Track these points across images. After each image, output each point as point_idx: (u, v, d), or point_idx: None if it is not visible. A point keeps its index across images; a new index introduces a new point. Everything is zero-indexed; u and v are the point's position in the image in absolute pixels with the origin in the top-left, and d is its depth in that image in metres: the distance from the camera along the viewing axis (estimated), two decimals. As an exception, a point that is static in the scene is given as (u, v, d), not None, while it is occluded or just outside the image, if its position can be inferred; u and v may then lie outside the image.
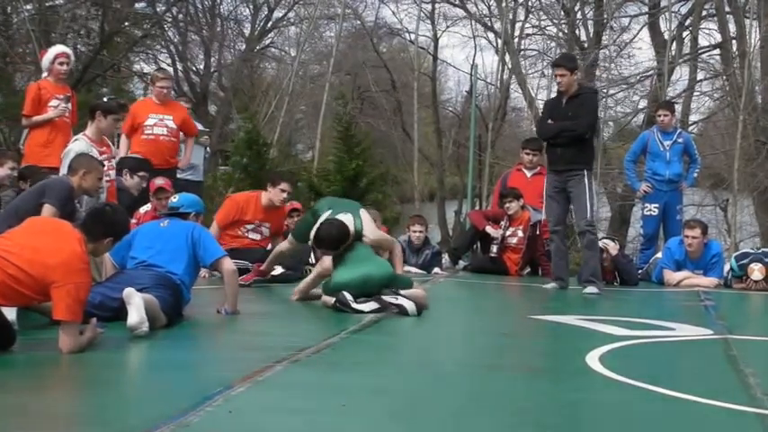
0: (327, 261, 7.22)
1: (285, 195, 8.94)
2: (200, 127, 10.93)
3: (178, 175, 10.25)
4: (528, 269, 10.48)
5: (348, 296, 6.73)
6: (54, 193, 6.52)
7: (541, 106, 21.94)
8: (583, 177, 8.46)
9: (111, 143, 7.95)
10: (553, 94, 22.42)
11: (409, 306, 6.63)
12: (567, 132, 8.48)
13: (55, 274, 4.84)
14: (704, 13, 21.98)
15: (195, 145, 10.46)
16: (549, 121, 8.68)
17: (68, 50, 9.48)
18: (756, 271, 9.30)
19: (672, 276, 9.65)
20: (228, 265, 6.39)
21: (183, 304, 6.21)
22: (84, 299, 4.99)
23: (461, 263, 10.78)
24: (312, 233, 7.26)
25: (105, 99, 8.53)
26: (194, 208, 6.98)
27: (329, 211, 7.40)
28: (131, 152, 9.53)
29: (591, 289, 8.45)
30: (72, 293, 4.87)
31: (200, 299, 6.68)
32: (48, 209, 6.41)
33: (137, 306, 5.44)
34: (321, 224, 7.19)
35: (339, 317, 6.63)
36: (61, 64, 9.02)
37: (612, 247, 9.72)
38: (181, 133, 9.96)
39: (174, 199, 6.96)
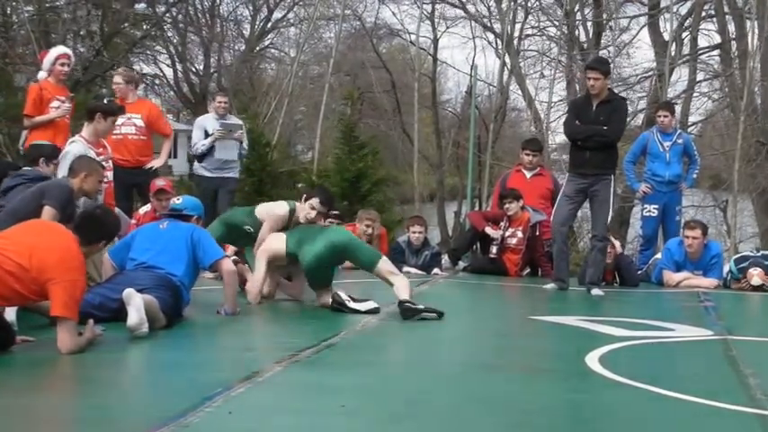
0: (268, 243, 7.18)
1: (315, 213, 8.78)
2: (234, 120, 10.88)
3: (213, 176, 10.30)
4: (527, 270, 10.47)
5: (344, 295, 6.77)
6: (54, 195, 6.50)
7: (540, 107, 22.11)
8: (610, 182, 8.46)
9: (106, 144, 7.89)
10: (555, 96, 22.04)
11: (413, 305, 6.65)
12: (599, 137, 8.44)
13: (52, 270, 4.86)
14: (704, 14, 21.99)
15: (229, 141, 10.45)
16: (577, 122, 8.62)
17: (69, 52, 9.45)
18: (756, 276, 9.29)
19: (671, 277, 9.65)
20: (228, 266, 6.39)
21: (183, 305, 6.21)
22: (80, 297, 5.00)
23: (461, 264, 10.77)
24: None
25: (106, 100, 8.45)
26: (197, 211, 6.96)
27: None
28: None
29: (597, 291, 8.48)
30: (68, 290, 4.88)
31: (200, 299, 6.68)
32: (48, 211, 6.38)
33: (136, 307, 5.44)
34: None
35: (338, 318, 6.63)
36: (62, 65, 9.01)
37: (618, 245, 9.73)
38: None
39: (178, 201, 6.91)
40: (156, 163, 9.71)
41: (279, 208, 7.56)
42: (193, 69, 29.92)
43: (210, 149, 10.37)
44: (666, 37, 21.09)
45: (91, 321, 5.16)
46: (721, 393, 4.36)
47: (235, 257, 7.78)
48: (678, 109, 18.87)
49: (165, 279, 6.03)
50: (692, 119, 22.52)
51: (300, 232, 7.20)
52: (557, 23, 23.42)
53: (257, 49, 29.57)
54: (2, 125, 18.68)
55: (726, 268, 9.91)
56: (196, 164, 10.51)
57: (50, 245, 4.99)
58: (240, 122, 10.98)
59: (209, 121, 10.59)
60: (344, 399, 4.09)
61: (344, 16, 24.21)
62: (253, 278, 7.25)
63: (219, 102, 10.73)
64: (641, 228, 11.29)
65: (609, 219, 8.59)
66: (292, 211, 7.49)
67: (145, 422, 3.56)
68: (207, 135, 10.40)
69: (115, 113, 7.72)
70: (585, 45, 23.22)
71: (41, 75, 9.17)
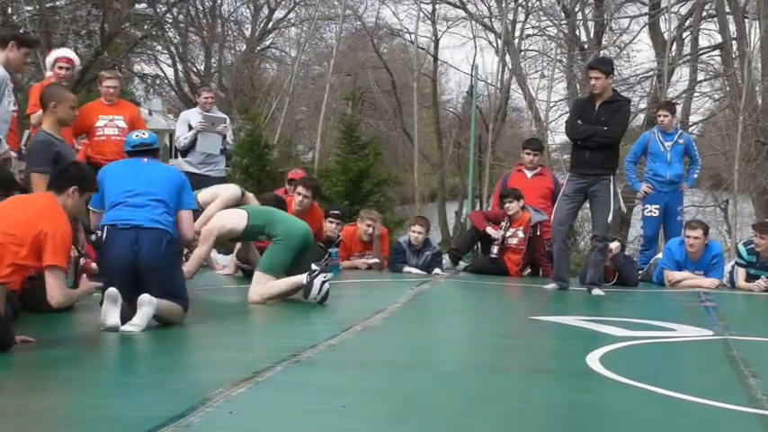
0: (224, 219, 7.30)
1: (300, 198, 8.89)
2: (218, 114, 10.85)
3: (196, 171, 10.23)
4: (528, 270, 10.46)
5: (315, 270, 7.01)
6: (32, 159, 6.56)
7: (541, 107, 22.10)
8: (609, 182, 8.45)
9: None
10: (555, 96, 22.02)
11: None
12: (600, 138, 8.43)
13: (36, 224, 4.94)
14: (704, 14, 22.00)
15: (212, 134, 10.42)
16: (579, 122, 8.61)
17: (71, 56, 9.21)
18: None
19: (672, 275, 9.63)
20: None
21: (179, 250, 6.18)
22: (68, 247, 5.07)
23: (462, 264, 10.76)
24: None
25: (22, 30, 8.21)
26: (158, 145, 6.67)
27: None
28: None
29: (597, 291, 8.47)
30: (56, 239, 4.94)
31: (200, 300, 6.68)
32: (33, 178, 6.45)
33: (145, 315, 5.58)
34: None
35: (338, 318, 6.64)
36: (61, 68, 8.87)
37: (615, 247, 9.70)
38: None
39: (144, 135, 6.46)
40: None
41: (230, 188, 7.87)
42: (194, 69, 29.92)
43: (193, 143, 10.32)
44: (666, 37, 21.09)
45: (84, 276, 5.29)
46: (721, 393, 4.36)
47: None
48: (679, 109, 18.87)
49: (171, 280, 5.93)
50: (693, 119, 22.55)
51: (269, 211, 7.50)
52: (557, 23, 23.42)
53: (258, 49, 29.57)
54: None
55: (727, 266, 9.92)
56: (179, 159, 10.45)
57: (31, 205, 5.13)
58: (224, 116, 10.91)
59: (192, 115, 10.53)
60: (344, 399, 4.08)
61: (345, 16, 24.20)
62: (194, 255, 7.31)
63: (206, 97, 10.70)
64: (642, 228, 11.29)
65: (609, 219, 8.57)
66: (243, 194, 7.77)
67: (145, 422, 3.55)
68: (191, 129, 10.38)
69: (29, 45, 7.32)
70: (586, 45, 23.23)
71: (47, 74, 9.14)
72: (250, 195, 8.15)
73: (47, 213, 5.04)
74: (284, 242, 7.16)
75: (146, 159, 6.24)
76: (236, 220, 7.25)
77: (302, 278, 7.04)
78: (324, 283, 6.95)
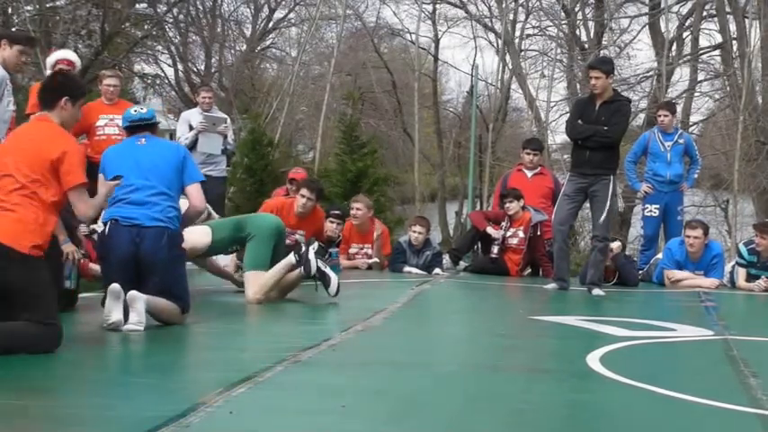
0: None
1: (303, 201, 8.89)
2: (218, 114, 10.85)
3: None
4: (529, 270, 10.47)
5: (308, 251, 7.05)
6: None
7: (541, 106, 22.09)
8: (609, 182, 8.45)
9: None
10: (555, 96, 22.07)
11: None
12: (600, 138, 8.43)
13: (45, 158, 4.96)
14: (704, 14, 22.00)
15: (213, 134, 10.43)
16: (579, 122, 8.61)
17: (72, 57, 9.15)
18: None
19: (672, 273, 9.64)
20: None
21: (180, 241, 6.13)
22: (82, 160, 5.12)
23: (462, 263, 10.77)
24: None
25: (15, 29, 8.17)
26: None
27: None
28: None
29: (598, 291, 8.47)
30: (67, 160, 4.98)
31: (199, 300, 6.68)
32: None
33: (140, 311, 5.56)
34: None
35: (338, 318, 6.64)
36: (61, 70, 8.87)
37: (616, 247, 9.70)
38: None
39: (143, 110, 6.35)
40: None
41: None
42: (195, 69, 29.91)
43: (194, 143, 10.32)
44: (666, 37, 21.08)
45: (101, 176, 5.52)
46: (721, 393, 4.36)
47: None
48: (679, 109, 18.87)
49: (172, 277, 5.92)
50: (693, 119, 22.55)
51: (232, 218, 7.73)
52: (557, 23, 23.42)
53: (258, 49, 29.56)
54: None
55: (727, 266, 9.91)
56: None
57: (32, 139, 5.09)
58: (225, 116, 10.94)
59: (193, 116, 10.56)
60: (344, 399, 4.08)
61: (345, 16, 24.18)
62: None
63: (204, 96, 10.73)
64: (642, 228, 11.29)
65: (609, 219, 8.58)
66: (210, 214, 7.72)
67: (145, 422, 3.55)
68: (191, 129, 10.38)
69: (22, 43, 7.23)
70: (586, 45, 23.23)
71: (48, 74, 9.13)
72: (216, 216, 8.21)
73: (49, 140, 5.04)
74: (259, 236, 7.18)
75: (143, 140, 6.14)
76: (199, 236, 7.16)
77: (291, 258, 7.05)
78: (315, 253, 7.01)
